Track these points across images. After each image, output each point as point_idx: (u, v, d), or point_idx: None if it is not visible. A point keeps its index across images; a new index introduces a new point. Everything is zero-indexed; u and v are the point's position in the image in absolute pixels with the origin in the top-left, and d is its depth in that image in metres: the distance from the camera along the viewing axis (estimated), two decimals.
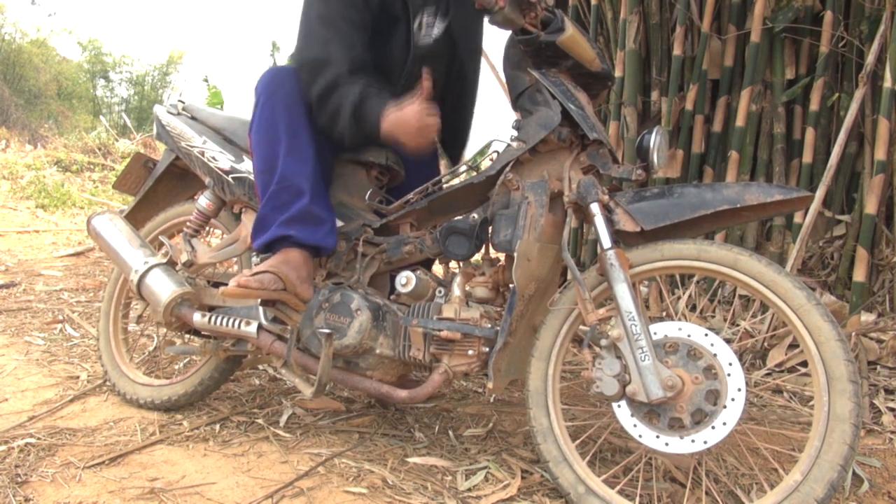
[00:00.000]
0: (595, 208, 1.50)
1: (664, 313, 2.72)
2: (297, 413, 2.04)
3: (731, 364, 1.37)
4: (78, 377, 2.30)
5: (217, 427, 1.93)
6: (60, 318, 3.00)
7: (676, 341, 1.43)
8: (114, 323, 2.21)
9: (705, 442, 1.35)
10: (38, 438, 1.80)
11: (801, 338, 1.35)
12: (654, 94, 3.10)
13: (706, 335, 1.40)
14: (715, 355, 1.38)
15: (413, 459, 1.74)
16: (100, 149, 8.80)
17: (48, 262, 4.33)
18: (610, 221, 1.50)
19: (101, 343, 2.20)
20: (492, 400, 2.21)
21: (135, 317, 2.38)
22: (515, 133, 1.64)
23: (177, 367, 2.41)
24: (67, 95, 21.79)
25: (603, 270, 1.47)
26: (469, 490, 1.60)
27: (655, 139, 1.55)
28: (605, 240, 1.47)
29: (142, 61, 31.11)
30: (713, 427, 1.35)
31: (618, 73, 3.14)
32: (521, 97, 1.65)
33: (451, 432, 1.94)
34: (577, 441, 1.61)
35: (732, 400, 1.34)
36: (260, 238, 1.75)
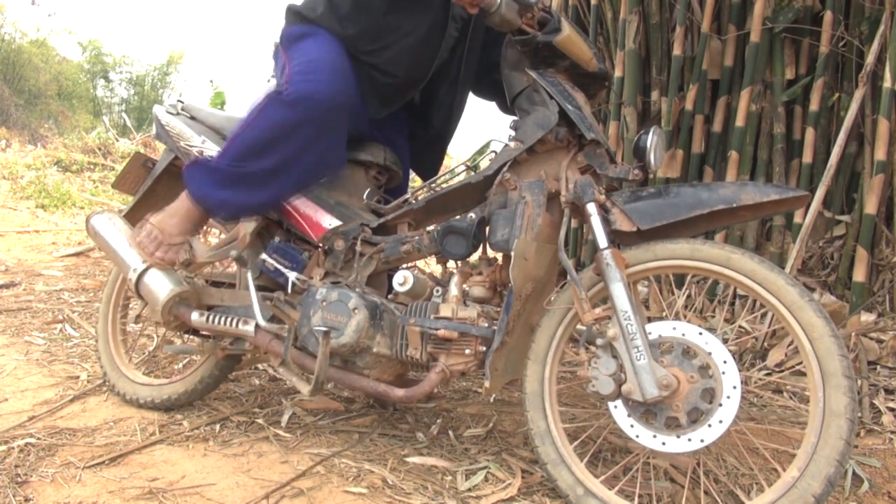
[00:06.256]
0: (592, 208, 1.50)
1: (664, 313, 2.72)
2: (297, 413, 2.04)
3: (725, 362, 1.37)
4: (78, 377, 2.31)
5: (217, 427, 1.93)
6: (60, 318, 3.01)
7: (671, 340, 1.43)
8: (112, 324, 2.21)
9: (702, 440, 1.36)
10: (38, 438, 1.80)
11: (795, 334, 1.36)
12: (654, 94, 3.10)
13: (700, 334, 1.40)
14: (710, 354, 1.38)
15: (413, 459, 1.74)
16: (100, 149, 8.80)
17: (48, 262, 4.33)
18: (606, 221, 1.50)
19: (100, 344, 2.20)
20: (492, 400, 2.21)
21: (133, 317, 2.39)
22: (513, 133, 1.64)
23: (176, 366, 2.41)
24: (67, 95, 21.77)
25: (599, 270, 1.47)
26: (469, 490, 1.60)
27: (652, 139, 1.55)
28: (602, 239, 1.48)
29: (142, 61, 31.15)
30: (710, 425, 1.35)
31: (618, 73, 3.15)
32: (518, 97, 1.66)
33: (451, 432, 1.94)
34: (577, 441, 1.61)
35: (728, 398, 1.35)
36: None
